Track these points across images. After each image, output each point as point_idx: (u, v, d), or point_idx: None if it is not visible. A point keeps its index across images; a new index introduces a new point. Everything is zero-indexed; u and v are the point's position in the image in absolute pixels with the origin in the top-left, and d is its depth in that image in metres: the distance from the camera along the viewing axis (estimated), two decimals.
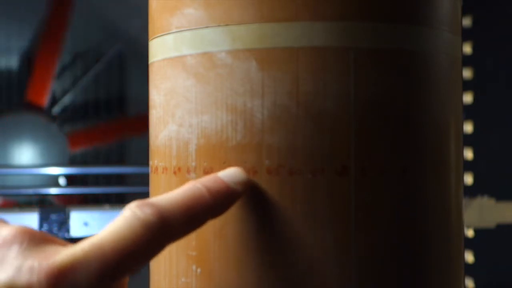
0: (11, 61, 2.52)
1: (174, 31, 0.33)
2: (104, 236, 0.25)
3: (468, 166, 1.38)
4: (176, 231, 0.27)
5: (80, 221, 1.42)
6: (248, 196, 0.30)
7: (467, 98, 1.40)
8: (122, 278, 0.26)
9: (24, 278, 0.24)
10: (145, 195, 0.37)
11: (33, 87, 2.43)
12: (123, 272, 0.25)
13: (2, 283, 0.24)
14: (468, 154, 1.40)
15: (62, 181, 2.37)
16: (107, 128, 2.55)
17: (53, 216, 1.41)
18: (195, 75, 0.32)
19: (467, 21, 1.40)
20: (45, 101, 2.45)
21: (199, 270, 0.31)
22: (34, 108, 2.43)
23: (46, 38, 2.41)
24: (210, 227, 0.31)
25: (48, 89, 2.45)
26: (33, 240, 0.26)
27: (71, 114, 2.56)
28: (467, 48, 1.40)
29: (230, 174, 0.30)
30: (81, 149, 2.53)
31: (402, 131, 0.31)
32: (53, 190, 1.82)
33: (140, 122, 2.40)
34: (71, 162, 2.48)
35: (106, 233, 0.26)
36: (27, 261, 0.25)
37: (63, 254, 0.25)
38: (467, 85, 1.39)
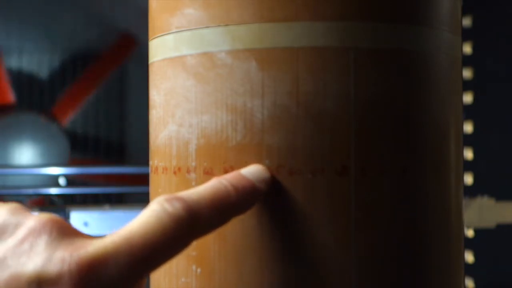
0: (53, 67, 2.53)
1: (174, 31, 0.33)
2: (133, 229, 0.25)
3: (468, 166, 1.38)
4: (204, 226, 0.27)
5: (80, 221, 1.42)
6: None
7: (467, 98, 1.40)
8: (150, 271, 0.25)
9: (54, 268, 0.24)
10: (145, 195, 0.37)
11: (61, 105, 2.45)
12: (152, 265, 0.25)
13: (31, 273, 0.24)
14: (468, 154, 1.40)
15: (62, 181, 2.37)
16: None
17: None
18: (195, 75, 0.32)
19: (467, 21, 1.40)
20: (66, 122, 2.47)
21: (199, 270, 0.31)
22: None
23: (95, 65, 2.42)
24: None
25: (73, 113, 2.47)
26: (62, 231, 0.25)
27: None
28: (467, 48, 1.40)
29: (254, 172, 0.30)
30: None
31: (402, 131, 0.31)
32: (53, 190, 1.82)
33: None
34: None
35: (135, 226, 0.25)
36: (57, 251, 0.24)
37: (93, 246, 0.24)
38: (467, 85, 1.39)
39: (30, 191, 1.84)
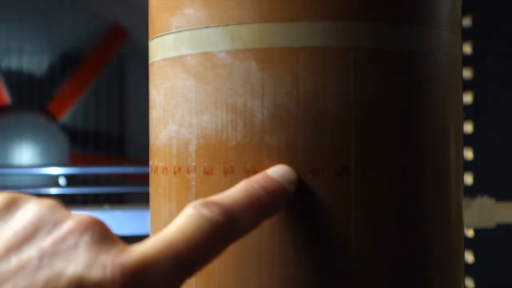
0: (45, 65, 2.53)
1: (174, 31, 0.33)
2: (173, 234, 0.25)
3: (468, 166, 1.38)
4: (240, 230, 0.27)
5: None
6: None
7: (467, 98, 1.40)
8: (191, 277, 0.25)
9: (96, 273, 0.23)
10: (145, 195, 0.37)
11: (58, 101, 2.45)
12: (193, 270, 0.25)
13: (72, 275, 0.23)
14: (468, 154, 1.40)
15: (62, 181, 2.37)
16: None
17: None
18: (195, 75, 0.32)
19: (467, 21, 1.40)
20: (62, 118, 2.47)
21: None
22: (52, 119, 2.44)
23: (88, 60, 2.42)
24: None
25: (70, 108, 2.47)
26: (102, 233, 0.24)
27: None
28: (467, 48, 1.40)
29: (282, 173, 0.29)
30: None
31: (402, 131, 0.31)
32: (53, 190, 1.82)
33: None
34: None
35: (174, 231, 0.25)
36: (99, 255, 0.23)
37: (136, 252, 0.24)
38: (467, 85, 1.39)
39: (30, 191, 1.84)
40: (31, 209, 0.25)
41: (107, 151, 2.61)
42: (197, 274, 0.25)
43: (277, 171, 0.29)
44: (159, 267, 0.24)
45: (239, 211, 0.26)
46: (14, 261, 0.23)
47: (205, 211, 0.26)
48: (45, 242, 0.24)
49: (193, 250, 0.25)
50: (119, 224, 1.41)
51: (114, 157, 2.58)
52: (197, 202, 0.26)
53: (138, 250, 0.24)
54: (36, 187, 1.92)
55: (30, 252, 0.23)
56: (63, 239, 0.24)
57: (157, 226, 0.34)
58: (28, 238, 0.24)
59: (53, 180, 2.32)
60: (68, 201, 2.23)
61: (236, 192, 0.27)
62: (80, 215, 0.25)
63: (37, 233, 0.24)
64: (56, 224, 0.24)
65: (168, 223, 0.33)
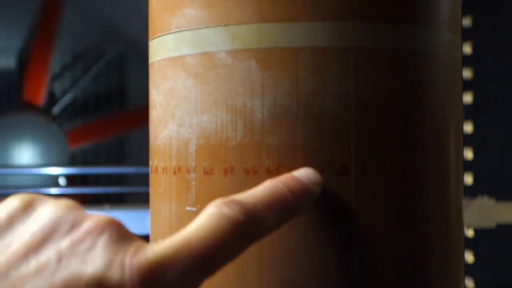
0: (7, 62, 2.52)
1: (174, 31, 0.33)
2: (192, 233, 0.25)
3: (468, 166, 1.38)
4: (263, 230, 0.26)
5: None
6: None
7: (467, 98, 1.40)
8: (209, 276, 0.25)
9: (115, 273, 0.23)
10: (145, 195, 0.37)
11: (29, 88, 2.44)
12: (211, 270, 0.25)
13: (91, 276, 0.23)
14: (468, 154, 1.40)
15: (62, 181, 2.37)
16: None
17: None
18: (195, 75, 0.32)
19: (467, 21, 1.40)
20: (42, 100, 2.45)
21: None
22: (32, 107, 2.43)
23: (38, 37, 2.41)
24: None
25: (45, 88, 2.45)
26: (120, 233, 0.24)
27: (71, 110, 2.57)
28: (467, 48, 1.40)
29: (307, 174, 0.29)
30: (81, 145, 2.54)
31: (402, 131, 0.31)
32: (53, 190, 1.82)
33: None
34: (71, 161, 2.48)
35: (193, 230, 0.25)
36: (117, 255, 0.23)
37: (153, 251, 0.24)
38: (467, 85, 1.39)
39: (30, 191, 1.84)
40: (48, 210, 0.25)
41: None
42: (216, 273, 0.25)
43: (303, 173, 0.29)
44: (176, 266, 0.24)
45: (262, 210, 0.26)
46: (33, 263, 0.23)
47: (226, 210, 0.25)
48: (63, 243, 0.24)
49: (211, 249, 0.24)
50: None
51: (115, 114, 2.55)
52: (219, 201, 0.26)
53: (156, 250, 0.24)
54: (36, 187, 1.92)
55: (49, 254, 0.23)
56: (81, 240, 0.24)
57: (157, 226, 0.34)
58: (46, 239, 0.24)
59: (53, 180, 2.32)
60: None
61: (259, 191, 0.27)
62: (97, 215, 0.25)
63: (55, 234, 0.24)
64: (74, 225, 0.24)
65: (168, 223, 0.33)
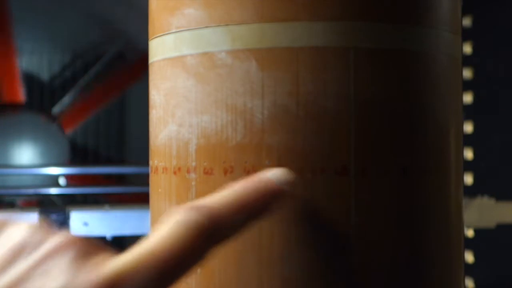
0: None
1: (174, 31, 0.33)
2: (156, 242, 0.25)
3: (468, 166, 1.38)
4: (227, 232, 0.27)
5: (80, 221, 1.42)
6: None
7: (467, 98, 1.40)
8: (176, 281, 0.25)
9: None
10: (145, 195, 0.38)
11: (3, 88, 2.43)
12: (176, 276, 0.25)
13: None
14: (468, 154, 1.40)
15: (62, 181, 2.37)
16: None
17: (53, 216, 1.41)
18: (195, 75, 0.32)
19: (467, 21, 1.40)
20: (20, 96, 2.45)
21: (199, 270, 0.31)
22: (12, 105, 2.43)
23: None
24: None
25: (19, 84, 2.44)
26: (83, 250, 0.25)
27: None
28: (467, 48, 1.40)
29: (277, 174, 0.29)
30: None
31: (402, 131, 0.31)
32: (53, 190, 1.82)
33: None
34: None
35: (158, 238, 0.25)
36: (79, 273, 0.24)
37: (115, 264, 0.24)
38: (467, 85, 1.39)
39: (30, 191, 1.84)
40: (15, 232, 0.26)
41: None
42: (190, 275, 0.26)
43: (272, 173, 0.29)
44: (137, 278, 0.24)
45: (226, 213, 0.27)
46: (1, 282, 0.24)
47: (190, 215, 0.26)
48: (27, 263, 0.25)
49: (176, 256, 0.25)
50: (119, 224, 1.42)
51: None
52: (183, 206, 0.26)
53: (118, 262, 0.25)
54: (36, 187, 1.92)
55: (16, 272, 0.24)
56: (45, 258, 0.25)
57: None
58: (14, 259, 0.25)
59: (53, 180, 2.32)
60: (68, 201, 2.23)
61: (225, 193, 0.28)
62: (62, 234, 0.26)
63: (23, 254, 0.25)
64: (39, 245, 0.25)
65: None
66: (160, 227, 0.26)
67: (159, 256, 0.25)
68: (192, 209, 0.26)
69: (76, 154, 2.59)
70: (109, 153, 2.64)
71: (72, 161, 2.51)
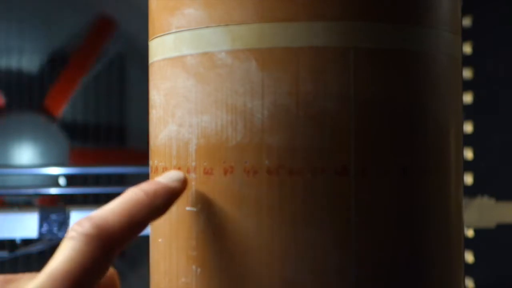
0: (36, 63, 2.52)
1: (174, 31, 0.33)
2: (54, 263, 0.26)
3: (468, 166, 1.38)
4: (119, 237, 0.28)
5: None
6: (247, 196, 0.30)
7: (467, 98, 1.40)
8: None
9: None
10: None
11: (53, 96, 2.44)
12: (87, 286, 0.26)
13: None
14: (468, 154, 1.40)
15: (62, 181, 2.37)
16: None
17: (53, 216, 1.41)
18: (195, 75, 0.32)
19: (467, 21, 1.40)
20: (60, 112, 2.45)
21: (199, 270, 0.31)
22: (48, 116, 2.43)
23: (79, 52, 2.40)
24: (210, 227, 0.31)
25: (67, 102, 2.45)
26: (3, 282, 0.27)
27: None
28: (467, 48, 1.40)
29: (167, 174, 0.31)
30: None
31: (402, 131, 0.31)
32: (53, 190, 1.82)
33: None
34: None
35: (56, 259, 0.27)
36: None
37: (32, 286, 0.26)
38: (467, 85, 1.39)
39: (30, 191, 1.84)
40: None
41: None
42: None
43: (164, 175, 0.31)
44: None
45: (113, 219, 0.28)
46: None
47: (78, 229, 0.27)
48: None
49: (75, 273, 0.26)
50: None
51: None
52: (74, 222, 0.28)
53: (32, 286, 0.26)
54: (36, 187, 1.92)
55: None
56: None
57: (157, 226, 0.34)
58: None
59: (53, 180, 2.31)
60: (68, 201, 2.23)
61: (113, 202, 0.29)
62: None
63: None
64: None
65: (168, 223, 0.33)
66: (59, 248, 0.27)
67: (58, 277, 0.26)
68: (79, 223, 0.27)
69: (73, 136, 2.58)
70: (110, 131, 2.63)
71: (71, 143, 2.51)
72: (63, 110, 2.48)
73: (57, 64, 2.50)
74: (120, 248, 0.28)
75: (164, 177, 0.31)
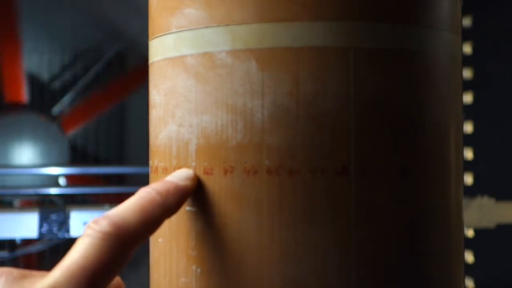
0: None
1: (174, 31, 0.33)
2: (71, 259, 0.27)
3: (468, 166, 1.38)
4: (135, 236, 0.28)
5: (80, 221, 1.42)
6: (247, 196, 0.30)
7: (467, 98, 1.40)
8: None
9: None
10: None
11: (8, 87, 2.43)
12: (103, 283, 0.27)
13: None
14: (468, 154, 1.40)
15: (62, 181, 2.37)
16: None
17: (53, 216, 1.41)
18: (195, 75, 0.32)
19: (467, 21, 1.40)
20: (23, 97, 2.45)
21: (199, 270, 0.31)
22: (16, 106, 2.43)
23: (3, 37, 2.40)
24: (210, 227, 0.31)
25: (23, 85, 2.44)
26: (15, 276, 0.27)
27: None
28: (467, 48, 1.40)
29: (177, 173, 0.31)
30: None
31: (402, 131, 0.31)
32: (53, 190, 1.82)
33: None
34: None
35: (72, 255, 0.27)
36: None
37: (48, 281, 0.26)
38: (467, 85, 1.39)
39: (30, 191, 1.84)
40: None
41: None
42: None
43: (174, 174, 0.31)
44: None
45: (129, 218, 0.28)
46: None
47: (96, 227, 0.28)
48: None
49: (92, 269, 0.27)
50: None
51: None
52: (91, 220, 0.28)
53: (47, 281, 0.26)
54: (36, 187, 1.92)
55: None
56: None
57: None
58: None
59: (53, 180, 2.31)
60: (68, 201, 2.23)
61: (128, 201, 0.29)
62: None
63: None
64: None
65: (168, 223, 0.33)
66: (75, 244, 0.28)
67: (76, 272, 0.26)
68: (96, 221, 0.28)
69: (76, 157, 2.59)
70: (109, 155, 2.64)
71: (72, 163, 2.51)
72: (74, 131, 2.49)
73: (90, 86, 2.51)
74: (135, 246, 0.28)
75: (174, 176, 0.31)
